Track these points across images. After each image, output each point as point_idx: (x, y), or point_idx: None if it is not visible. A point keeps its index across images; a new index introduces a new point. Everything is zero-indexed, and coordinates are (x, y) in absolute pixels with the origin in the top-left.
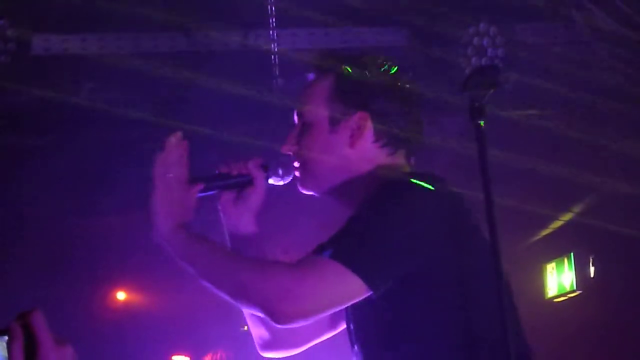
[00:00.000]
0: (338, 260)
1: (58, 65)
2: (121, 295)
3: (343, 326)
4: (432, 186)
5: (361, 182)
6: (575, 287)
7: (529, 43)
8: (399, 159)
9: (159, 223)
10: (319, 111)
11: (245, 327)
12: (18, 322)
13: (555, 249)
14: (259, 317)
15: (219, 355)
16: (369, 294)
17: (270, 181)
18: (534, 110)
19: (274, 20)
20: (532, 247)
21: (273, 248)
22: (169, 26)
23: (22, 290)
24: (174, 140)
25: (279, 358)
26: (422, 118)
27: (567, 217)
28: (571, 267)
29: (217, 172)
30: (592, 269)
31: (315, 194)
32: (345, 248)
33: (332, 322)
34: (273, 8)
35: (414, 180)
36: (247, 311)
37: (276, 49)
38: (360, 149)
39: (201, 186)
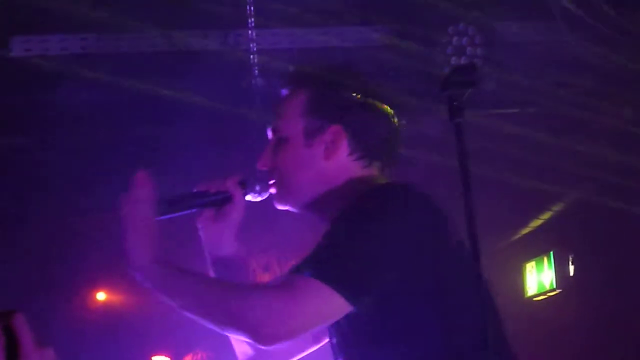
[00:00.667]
0: (319, 279)
1: (38, 66)
2: (101, 296)
3: (326, 340)
4: (408, 195)
5: (337, 195)
6: (555, 286)
7: (509, 42)
8: (374, 171)
9: (134, 258)
10: (294, 126)
11: None
12: None
13: (535, 248)
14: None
15: (199, 355)
16: (352, 308)
17: (248, 197)
18: (514, 109)
19: (252, 20)
20: (512, 246)
21: (253, 265)
22: (149, 28)
23: (1, 290)
24: (141, 176)
25: None
26: (398, 130)
27: (546, 216)
28: (551, 265)
29: (195, 190)
30: (571, 268)
31: (292, 209)
32: (325, 265)
33: (315, 337)
34: (252, 8)
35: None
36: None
37: (255, 49)
38: (336, 162)
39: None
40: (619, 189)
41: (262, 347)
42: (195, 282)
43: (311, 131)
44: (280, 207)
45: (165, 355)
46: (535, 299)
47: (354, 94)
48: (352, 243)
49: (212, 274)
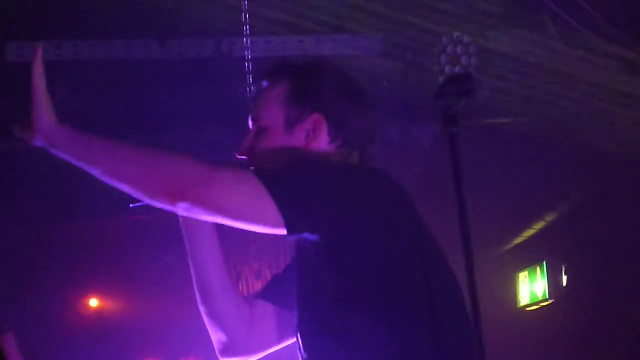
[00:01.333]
0: (260, 178)
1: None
2: (94, 302)
3: (292, 340)
4: (376, 174)
5: None
6: (547, 296)
7: (503, 52)
8: (354, 160)
9: (41, 123)
10: (275, 115)
11: None
12: None
13: (528, 258)
14: (219, 323)
15: None
16: (280, 228)
17: None
18: (508, 119)
19: (247, 28)
20: (505, 256)
21: (245, 272)
22: (144, 34)
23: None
24: (37, 50)
25: None
26: (375, 124)
27: (540, 225)
28: (544, 275)
29: None
30: (564, 278)
31: None
32: (271, 174)
33: (290, 332)
34: (247, 16)
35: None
36: (205, 315)
37: (250, 57)
38: (316, 150)
39: None
40: (611, 199)
41: (174, 208)
42: (108, 142)
43: (292, 120)
44: None
45: (158, 359)
46: (528, 309)
47: (335, 86)
48: (305, 176)
49: (190, 263)
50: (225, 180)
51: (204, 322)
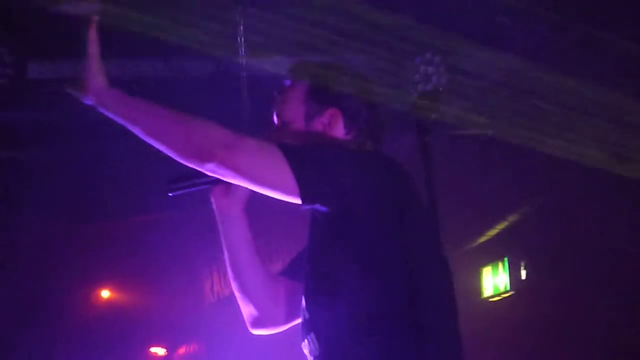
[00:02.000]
0: (282, 150)
1: (51, 87)
2: (105, 294)
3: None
4: (380, 158)
5: None
6: (508, 288)
7: (469, 71)
8: (367, 148)
9: (92, 83)
10: (296, 110)
11: None
12: None
13: (491, 254)
14: (249, 298)
15: (192, 347)
16: (295, 196)
17: None
18: (474, 130)
19: (243, 49)
20: (471, 253)
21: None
22: (151, 53)
23: (22, 286)
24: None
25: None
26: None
27: (502, 226)
28: (505, 270)
29: None
30: (523, 272)
31: None
32: (292, 148)
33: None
34: (242, 39)
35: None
36: (238, 293)
37: (245, 75)
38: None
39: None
40: (568, 201)
41: (203, 168)
42: (153, 105)
43: (311, 114)
44: None
45: (162, 347)
46: (490, 299)
47: (349, 83)
48: (322, 155)
49: (224, 244)
50: (250, 147)
51: (204, 313)
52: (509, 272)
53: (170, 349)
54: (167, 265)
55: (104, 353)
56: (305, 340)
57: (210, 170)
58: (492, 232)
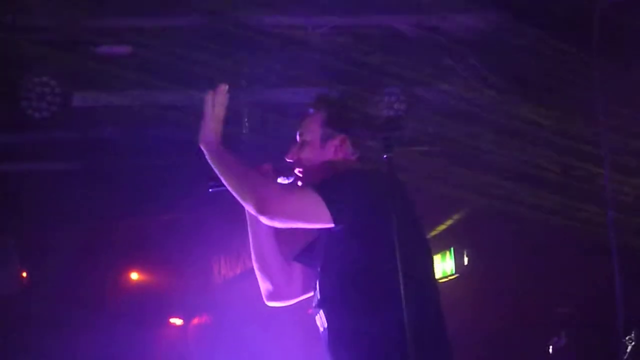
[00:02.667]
0: (317, 192)
1: (93, 113)
2: (134, 276)
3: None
4: (379, 175)
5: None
6: (454, 272)
7: (425, 98)
8: (369, 166)
9: (208, 135)
10: (314, 133)
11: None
12: None
13: (440, 245)
14: (268, 277)
15: (203, 318)
16: (330, 224)
17: (279, 180)
18: (426, 147)
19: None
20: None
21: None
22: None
23: (65, 270)
24: (222, 88)
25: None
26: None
27: (448, 222)
28: (451, 257)
29: None
30: (466, 259)
31: None
32: (323, 189)
33: (312, 286)
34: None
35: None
36: (258, 272)
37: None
38: (342, 160)
39: None
40: (505, 200)
41: (262, 218)
42: (239, 163)
43: (325, 137)
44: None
45: (179, 318)
46: (440, 281)
47: (355, 115)
48: (341, 186)
49: (251, 235)
50: (292, 197)
51: (212, 291)
52: (454, 259)
53: (186, 320)
54: (184, 253)
55: (134, 322)
56: (317, 315)
57: (266, 220)
58: (441, 227)
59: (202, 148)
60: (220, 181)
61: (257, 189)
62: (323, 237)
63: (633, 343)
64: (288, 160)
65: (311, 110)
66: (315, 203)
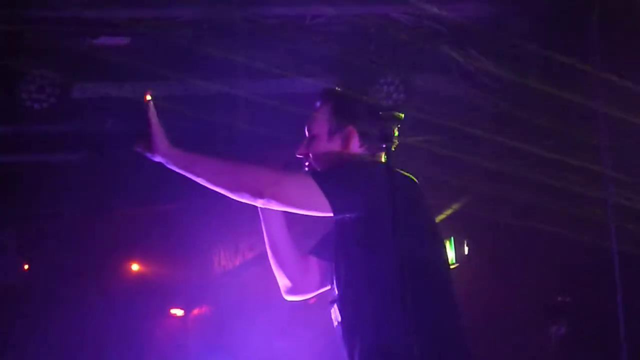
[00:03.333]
0: (315, 179)
1: (91, 105)
2: (135, 267)
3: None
4: (392, 169)
5: None
6: (454, 261)
7: (422, 89)
8: (379, 158)
9: (162, 143)
10: (321, 127)
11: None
12: None
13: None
14: (284, 272)
15: (203, 309)
16: (329, 212)
17: None
18: (426, 137)
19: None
20: None
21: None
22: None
23: (65, 261)
24: (147, 97)
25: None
26: (394, 128)
27: (449, 211)
28: (452, 247)
29: None
30: (466, 249)
31: None
32: (322, 176)
33: (329, 279)
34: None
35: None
36: (275, 268)
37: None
38: (351, 152)
39: None
40: (503, 191)
41: (259, 202)
42: (210, 157)
43: (333, 130)
44: None
45: (180, 309)
46: None
47: (363, 106)
48: (342, 176)
49: (265, 231)
50: (290, 182)
51: (212, 283)
52: (455, 248)
53: (187, 310)
54: (185, 244)
55: (136, 313)
56: (333, 309)
57: (262, 204)
58: (441, 217)
59: (162, 159)
60: None
61: (250, 174)
62: (334, 229)
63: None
64: (298, 155)
65: (317, 104)
66: (312, 190)
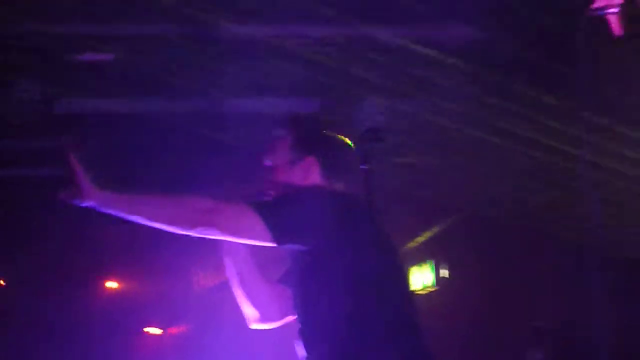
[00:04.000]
0: (256, 209)
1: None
2: (110, 284)
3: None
4: (341, 197)
5: None
6: (434, 284)
7: (402, 111)
8: (339, 188)
9: (87, 191)
10: (282, 157)
11: None
12: None
13: (420, 257)
14: (251, 300)
15: (182, 327)
16: (270, 242)
17: None
18: (407, 158)
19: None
20: (404, 255)
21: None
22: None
23: (40, 277)
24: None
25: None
26: (355, 158)
27: (429, 234)
28: (432, 270)
29: None
30: (445, 272)
31: None
32: (265, 206)
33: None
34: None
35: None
36: (240, 297)
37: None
38: (312, 182)
39: None
40: (480, 218)
41: (194, 233)
42: (149, 197)
43: (293, 161)
44: None
45: (158, 327)
46: (418, 292)
47: (323, 136)
48: (285, 206)
49: (228, 263)
50: (226, 212)
51: (191, 300)
52: (435, 271)
53: (165, 329)
54: (161, 263)
55: (110, 331)
56: (297, 344)
57: (198, 233)
58: (421, 239)
59: (93, 203)
60: None
61: (184, 206)
62: (293, 263)
63: None
64: (260, 186)
65: (278, 133)
66: (251, 220)
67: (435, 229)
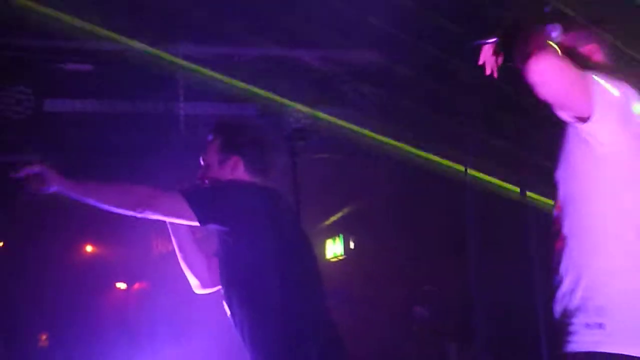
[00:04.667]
0: (184, 196)
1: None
2: (88, 248)
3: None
4: (262, 189)
5: None
6: (343, 253)
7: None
8: (260, 181)
9: (52, 179)
10: (212, 157)
11: None
12: None
13: (332, 232)
14: (191, 271)
15: (144, 284)
16: (197, 222)
17: None
18: (326, 154)
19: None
20: (320, 230)
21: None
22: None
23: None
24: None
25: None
26: (274, 158)
27: (339, 215)
28: (341, 242)
29: None
30: (352, 244)
31: None
32: (191, 193)
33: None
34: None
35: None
36: (184, 268)
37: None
38: (237, 177)
39: None
40: (388, 201)
41: (136, 214)
42: (104, 184)
43: (221, 160)
44: None
45: (124, 283)
46: (330, 260)
47: (248, 139)
48: (210, 191)
49: (173, 239)
50: (162, 197)
51: (152, 261)
52: (343, 243)
53: (129, 284)
54: (128, 231)
55: (85, 287)
56: (224, 303)
57: (139, 214)
58: (334, 218)
59: (58, 189)
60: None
61: (130, 193)
62: (218, 242)
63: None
64: (197, 180)
65: (210, 137)
66: (180, 204)
67: (345, 210)
